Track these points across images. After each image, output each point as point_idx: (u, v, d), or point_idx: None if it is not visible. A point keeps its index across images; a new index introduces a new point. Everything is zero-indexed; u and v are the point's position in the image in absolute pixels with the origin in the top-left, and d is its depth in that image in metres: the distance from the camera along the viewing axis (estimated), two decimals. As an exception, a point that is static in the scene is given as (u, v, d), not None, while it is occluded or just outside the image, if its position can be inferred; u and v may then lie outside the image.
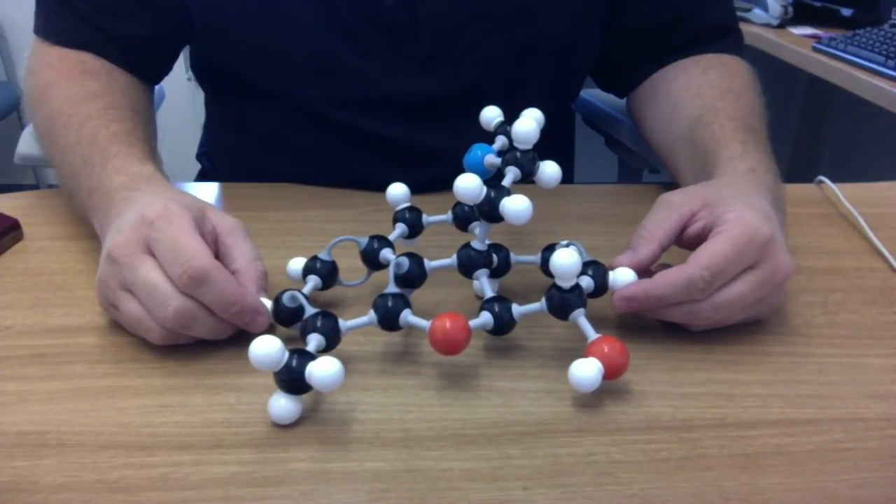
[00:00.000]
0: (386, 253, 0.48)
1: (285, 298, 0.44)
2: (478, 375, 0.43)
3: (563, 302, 0.42)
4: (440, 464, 0.37)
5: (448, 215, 0.52)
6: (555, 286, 0.42)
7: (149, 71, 0.67)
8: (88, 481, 0.35)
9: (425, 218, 0.51)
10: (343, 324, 0.41)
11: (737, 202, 0.46)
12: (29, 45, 0.65)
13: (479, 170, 0.47)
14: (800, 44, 1.54)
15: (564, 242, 0.46)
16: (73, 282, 0.50)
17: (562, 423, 0.39)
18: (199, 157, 0.85)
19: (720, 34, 0.69)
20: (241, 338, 0.45)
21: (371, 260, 0.48)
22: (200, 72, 0.74)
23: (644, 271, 0.46)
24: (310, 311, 0.42)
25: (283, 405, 0.38)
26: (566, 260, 0.40)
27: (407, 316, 0.42)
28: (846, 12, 1.67)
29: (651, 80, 0.70)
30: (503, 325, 0.43)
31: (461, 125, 0.62)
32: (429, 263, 0.46)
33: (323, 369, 0.37)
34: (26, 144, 0.71)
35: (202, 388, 0.41)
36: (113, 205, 0.48)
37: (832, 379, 0.43)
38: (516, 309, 0.43)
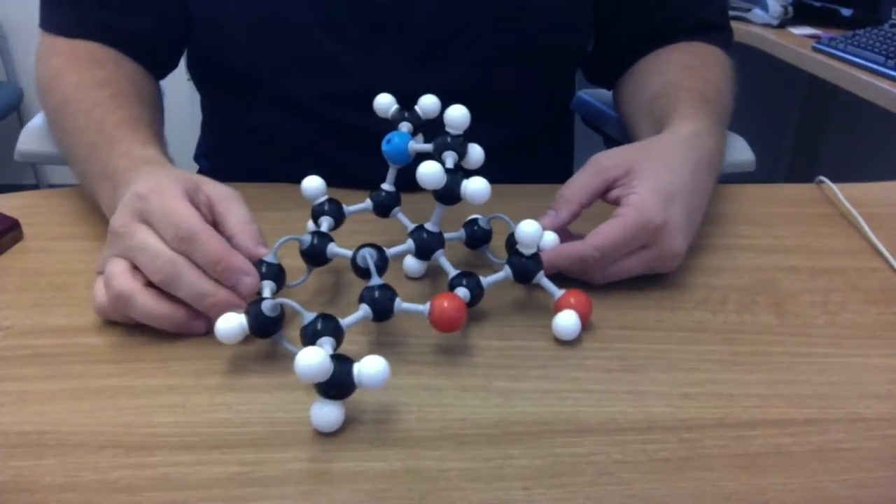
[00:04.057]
0: (332, 248, 0.47)
1: (266, 308, 0.41)
2: (478, 375, 0.43)
3: (524, 267, 0.46)
4: (440, 464, 0.37)
5: (367, 203, 0.52)
6: (516, 253, 0.46)
7: (153, 66, 0.67)
8: (88, 481, 0.35)
9: (346, 208, 0.51)
10: (342, 322, 0.41)
11: (649, 179, 0.50)
12: (29, 45, 0.65)
13: (403, 157, 0.49)
14: (800, 44, 1.54)
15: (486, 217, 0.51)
16: (73, 282, 0.50)
17: (562, 423, 0.39)
18: (198, 158, 0.85)
19: (707, 29, 0.72)
20: (245, 338, 0.45)
21: (314, 257, 0.48)
22: (197, 72, 0.74)
23: (563, 230, 0.52)
24: (308, 316, 0.40)
25: (329, 412, 0.38)
26: (530, 228, 0.45)
27: (400, 304, 0.42)
28: (846, 12, 1.67)
29: (630, 69, 0.74)
30: (476, 297, 0.45)
31: None
32: (388, 251, 0.47)
33: (371, 368, 0.37)
34: (27, 141, 0.71)
35: (202, 388, 0.41)
36: (118, 187, 0.49)
37: (832, 379, 0.43)
38: (484, 280, 0.46)
